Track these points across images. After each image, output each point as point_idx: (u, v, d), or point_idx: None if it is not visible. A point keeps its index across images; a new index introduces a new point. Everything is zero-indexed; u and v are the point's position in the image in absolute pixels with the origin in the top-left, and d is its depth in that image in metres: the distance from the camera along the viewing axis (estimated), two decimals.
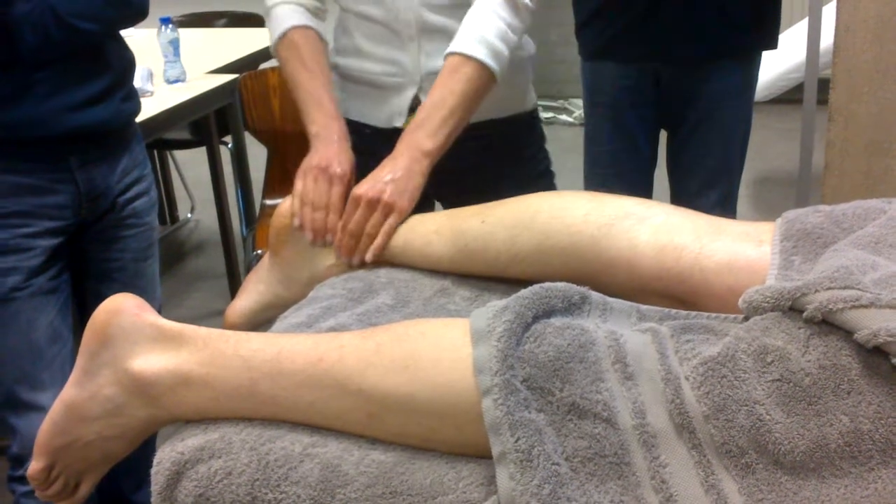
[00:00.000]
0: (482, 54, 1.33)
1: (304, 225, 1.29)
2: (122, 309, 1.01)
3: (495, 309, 0.90)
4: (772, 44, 2.04)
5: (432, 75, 1.42)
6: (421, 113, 1.34)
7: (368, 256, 1.25)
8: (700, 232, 1.07)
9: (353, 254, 1.26)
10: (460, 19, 1.40)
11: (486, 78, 1.35)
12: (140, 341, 0.99)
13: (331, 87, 1.46)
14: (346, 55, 1.57)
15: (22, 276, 1.59)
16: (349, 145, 1.39)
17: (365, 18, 1.51)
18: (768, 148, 4.30)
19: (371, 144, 1.47)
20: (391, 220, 1.25)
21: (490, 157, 1.60)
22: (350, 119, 1.57)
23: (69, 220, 1.65)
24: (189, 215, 4.04)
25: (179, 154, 3.92)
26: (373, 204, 1.25)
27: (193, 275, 3.52)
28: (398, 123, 1.54)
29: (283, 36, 1.46)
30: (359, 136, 1.48)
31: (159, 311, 1.06)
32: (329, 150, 1.35)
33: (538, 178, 1.69)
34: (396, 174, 1.27)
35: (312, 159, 1.34)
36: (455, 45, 1.35)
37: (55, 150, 1.59)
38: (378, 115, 1.57)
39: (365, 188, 1.26)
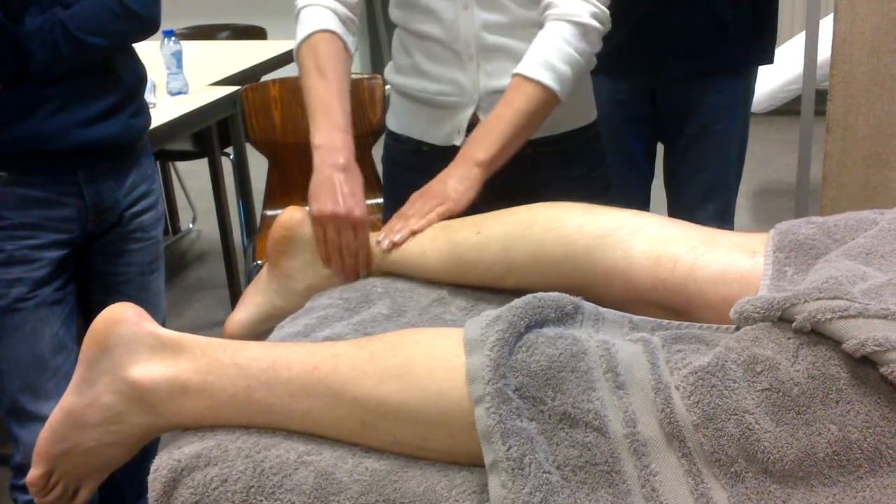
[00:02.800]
0: (545, 77, 1.34)
1: (339, 272, 1.30)
2: (121, 318, 1.02)
3: (488, 318, 0.91)
4: (768, 58, 2.05)
5: (491, 94, 1.43)
6: (478, 130, 1.37)
7: (400, 237, 1.28)
8: (694, 243, 1.08)
9: (393, 235, 1.29)
10: (520, 38, 1.41)
11: (548, 98, 1.36)
12: (139, 350, 1.00)
13: (345, 96, 1.41)
14: (405, 74, 1.55)
15: (27, 286, 1.59)
16: (355, 166, 1.35)
17: (424, 38, 1.49)
18: (768, 159, 4.31)
19: (428, 162, 1.46)
20: (440, 209, 1.29)
21: (545, 173, 1.55)
22: (408, 136, 1.58)
23: (75, 232, 1.65)
24: (191, 226, 4.05)
25: (181, 165, 3.94)
26: (429, 197, 1.30)
27: (195, 285, 3.53)
28: (457, 142, 1.50)
29: (307, 39, 1.42)
30: (416, 154, 1.47)
31: (163, 324, 1.06)
32: (339, 183, 1.31)
33: (592, 197, 1.59)
34: (450, 178, 1.32)
35: (325, 201, 1.29)
36: (519, 68, 1.36)
37: (63, 164, 1.60)
38: (436, 134, 1.54)
39: (424, 189, 1.33)
